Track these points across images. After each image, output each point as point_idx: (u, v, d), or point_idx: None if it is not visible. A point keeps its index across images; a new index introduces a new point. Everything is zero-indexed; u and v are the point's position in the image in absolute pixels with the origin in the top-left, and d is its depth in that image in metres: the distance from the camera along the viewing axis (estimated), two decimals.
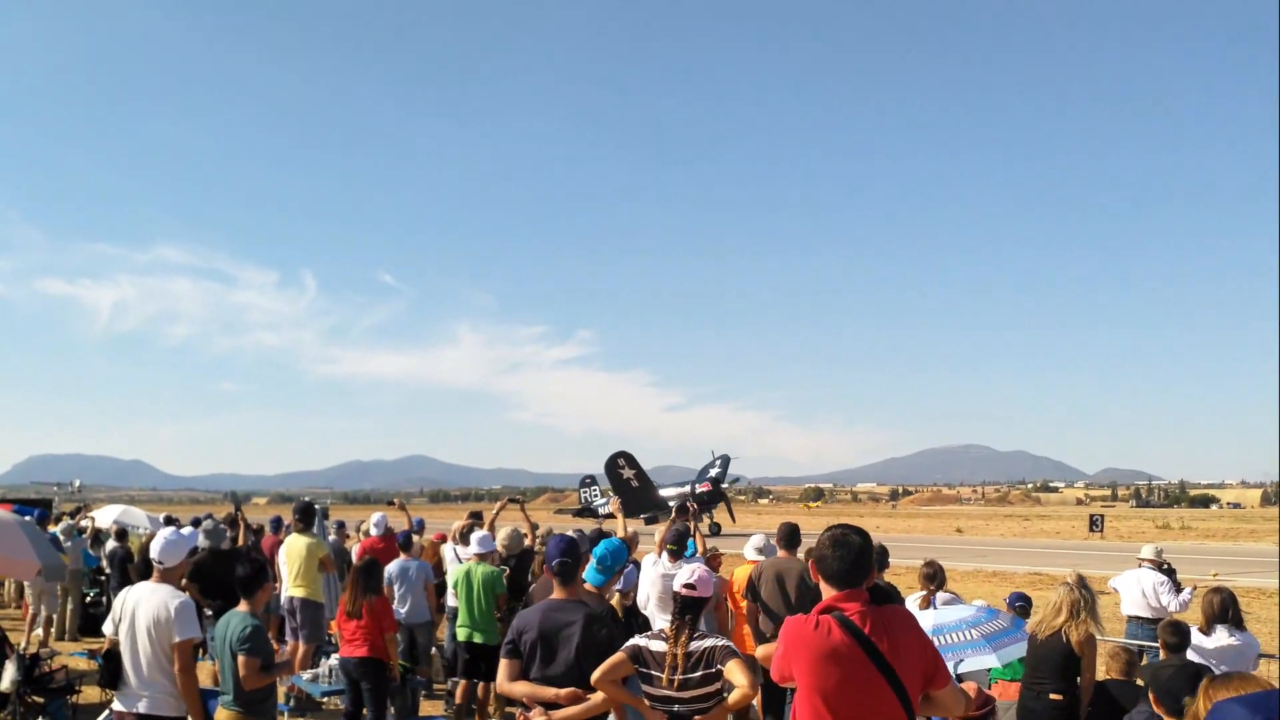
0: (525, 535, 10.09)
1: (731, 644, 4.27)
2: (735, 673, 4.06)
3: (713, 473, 52.14)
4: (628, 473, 49.29)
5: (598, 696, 4.20)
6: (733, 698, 4.13)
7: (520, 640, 4.44)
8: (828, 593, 3.36)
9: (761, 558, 7.96)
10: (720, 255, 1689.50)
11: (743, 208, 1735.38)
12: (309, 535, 9.88)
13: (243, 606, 5.55)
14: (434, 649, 10.64)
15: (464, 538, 10.01)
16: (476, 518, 11.11)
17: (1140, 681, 5.55)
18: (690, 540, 8.38)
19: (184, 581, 9.34)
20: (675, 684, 4.17)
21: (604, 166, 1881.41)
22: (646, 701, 4.29)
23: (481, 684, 8.60)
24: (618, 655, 4.33)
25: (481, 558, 8.74)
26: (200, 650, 10.26)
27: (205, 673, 10.17)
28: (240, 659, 5.30)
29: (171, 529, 6.10)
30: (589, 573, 4.78)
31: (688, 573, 4.46)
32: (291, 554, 9.77)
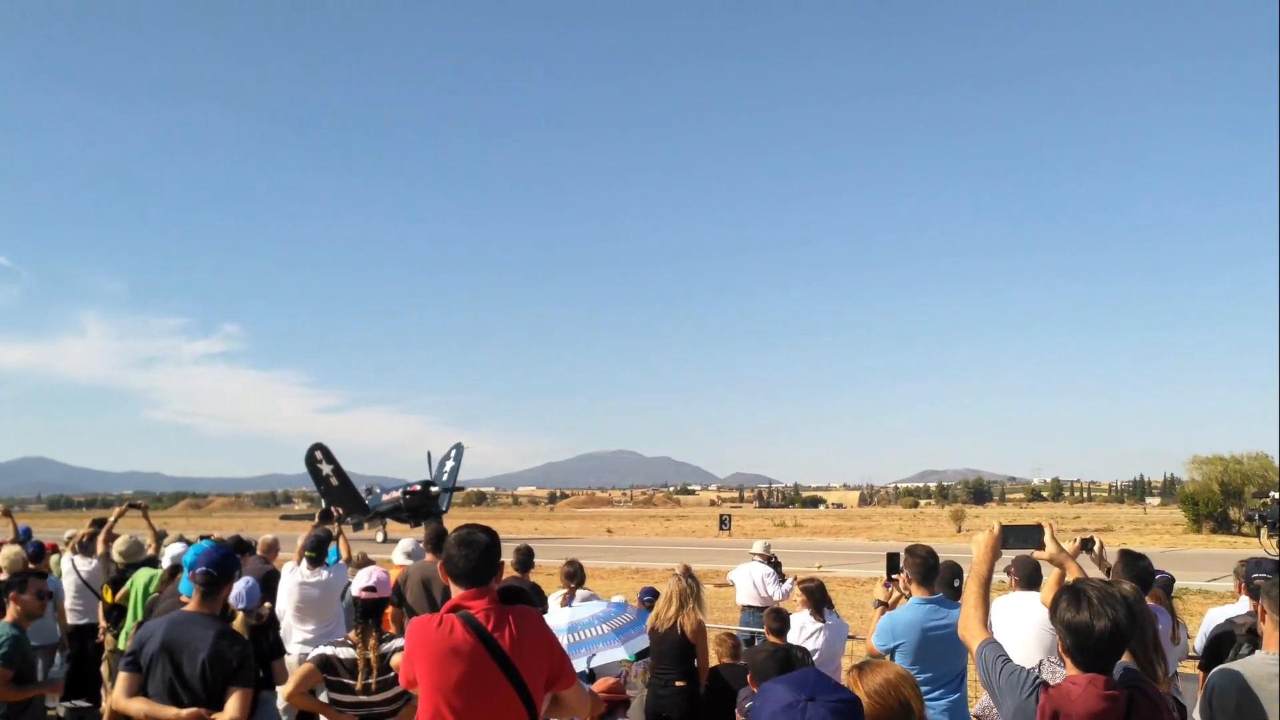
0: (148, 544, 9.22)
1: None
2: None
3: (449, 465, 49.14)
4: (326, 469, 45.07)
5: (221, 717, 3.96)
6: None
7: (141, 652, 4.07)
8: (456, 592, 3.34)
9: (409, 562, 7.85)
10: (380, 258, 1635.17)
11: (400, 208, 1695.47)
12: None
13: (9, 615, 5.39)
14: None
15: (84, 547, 9.26)
16: (99, 525, 10.02)
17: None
18: (334, 547, 8.06)
19: None
20: (372, 687, 4.28)
21: (247, 147, 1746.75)
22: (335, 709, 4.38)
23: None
24: (306, 666, 4.44)
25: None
26: None
27: None
28: None
29: None
30: (182, 583, 4.45)
31: (366, 575, 4.62)
32: None
